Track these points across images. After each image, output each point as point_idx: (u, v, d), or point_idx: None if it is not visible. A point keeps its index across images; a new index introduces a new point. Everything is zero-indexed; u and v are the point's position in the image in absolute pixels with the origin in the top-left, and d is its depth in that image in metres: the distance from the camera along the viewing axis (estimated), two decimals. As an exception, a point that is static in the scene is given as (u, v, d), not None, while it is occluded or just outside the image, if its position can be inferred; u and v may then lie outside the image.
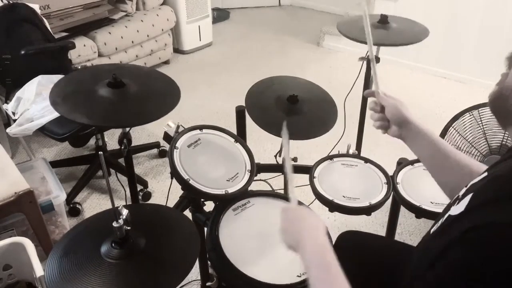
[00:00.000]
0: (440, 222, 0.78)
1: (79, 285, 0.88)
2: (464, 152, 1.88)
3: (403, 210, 1.53)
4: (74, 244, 1.00)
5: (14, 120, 2.05)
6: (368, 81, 2.05)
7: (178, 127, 1.43)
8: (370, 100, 1.11)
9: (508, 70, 0.73)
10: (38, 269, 1.28)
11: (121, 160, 2.08)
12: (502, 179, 0.70)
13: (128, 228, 0.95)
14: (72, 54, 2.65)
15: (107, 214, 1.06)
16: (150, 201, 2.32)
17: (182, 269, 0.95)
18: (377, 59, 1.98)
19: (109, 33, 3.05)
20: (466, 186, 0.81)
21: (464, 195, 0.76)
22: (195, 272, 1.63)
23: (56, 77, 2.13)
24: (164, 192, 2.35)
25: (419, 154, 1.09)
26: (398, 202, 1.45)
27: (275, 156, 1.77)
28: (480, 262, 0.58)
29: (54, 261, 0.94)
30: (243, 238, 1.19)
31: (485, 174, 0.79)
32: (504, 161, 0.79)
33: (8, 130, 2.04)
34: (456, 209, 0.74)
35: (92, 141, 2.49)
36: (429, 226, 0.86)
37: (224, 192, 1.26)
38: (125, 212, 0.94)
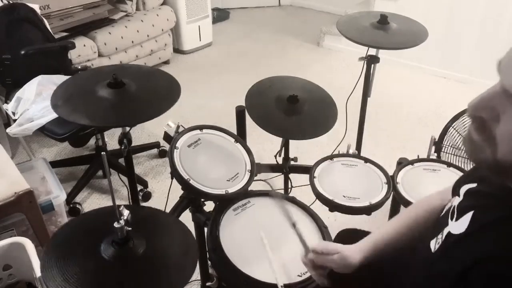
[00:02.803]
0: (440, 238, 0.77)
1: (78, 284, 0.88)
2: (464, 152, 1.88)
3: (403, 210, 1.53)
4: (71, 242, 0.99)
5: (14, 120, 2.05)
6: (368, 82, 2.05)
7: (178, 127, 1.43)
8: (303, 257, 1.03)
9: (476, 127, 0.64)
10: (38, 269, 1.28)
11: (121, 160, 2.08)
12: (497, 198, 0.70)
13: (129, 228, 0.95)
14: (72, 54, 2.65)
15: (103, 212, 1.06)
16: (150, 201, 2.32)
17: (182, 274, 0.95)
18: (377, 59, 1.98)
19: (109, 33, 3.05)
20: (458, 196, 0.79)
21: (462, 210, 0.74)
22: (195, 272, 1.63)
23: (56, 77, 2.14)
24: (164, 192, 2.35)
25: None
26: (398, 202, 1.45)
27: (275, 156, 1.77)
28: None
29: (51, 259, 0.93)
30: (243, 238, 1.19)
31: (475, 184, 0.77)
32: None
33: (8, 130, 2.04)
34: (457, 227, 0.73)
35: (92, 141, 2.49)
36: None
37: (224, 192, 1.26)
38: (126, 212, 0.94)
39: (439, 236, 0.77)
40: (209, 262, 1.46)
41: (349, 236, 1.29)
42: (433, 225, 0.85)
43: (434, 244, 0.78)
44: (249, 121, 1.58)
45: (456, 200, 0.79)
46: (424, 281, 0.77)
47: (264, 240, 1.17)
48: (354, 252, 0.97)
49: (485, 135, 0.63)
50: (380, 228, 1.02)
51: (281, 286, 1.04)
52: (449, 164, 1.50)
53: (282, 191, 1.86)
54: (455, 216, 0.75)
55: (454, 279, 0.67)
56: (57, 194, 1.90)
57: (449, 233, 0.74)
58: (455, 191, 0.84)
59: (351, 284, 1.13)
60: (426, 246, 0.80)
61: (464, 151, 1.88)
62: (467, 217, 0.71)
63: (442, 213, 0.83)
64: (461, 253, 0.69)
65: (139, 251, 0.95)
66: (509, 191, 0.67)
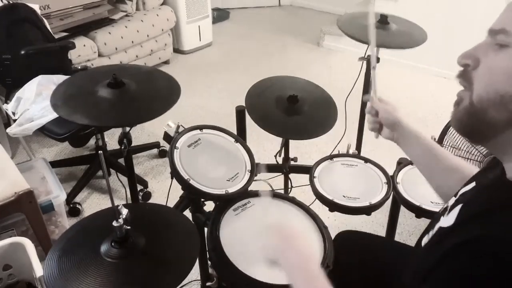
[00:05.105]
0: (431, 233, 0.78)
1: (79, 284, 0.88)
2: (464, 152, 1.88)
3: (403, 210, 1.53)
4: (73, 243, 1.00)
5: (14, 120, 2.05)
6: (367, 82, 2.04)
7: (178, 127, 1.43)
8: (367, 104, 1.18)
9: (465, 87, 0.70)
10: (38, 269, 1.28)
11: (121, 160, 2.08)
12: (489, 190, 0.70)
13: (128, 227, 0.95)
14: (72, 54, 2.65)
15: (106, 213, 1.06)
16: (150, 201, 2.32)
17: (182, 269, 0.95)
18: (377, 59, 1.97)
19: (109, 33, 3.05)
20: (455, 196, 0.81)
21: (453, 206, 0.75)
22: (195, 272, 1.63)
23: (56, 77, 2.14)
24: (164, 192, 2.35)
25: (411, 156, 1.12)
26: (398, 202, 1.45)
27: (275, 156, 1.77)
28: (473, 276, 0.58)
29: (53, 261, 0.94)
30: (244, 238, 1.19)
31: (473, 184, 0.78)
32: (489, 169, 0.79)
33: (8, 130, 2.04)
34: (446, 221, 0.73)
35: (92, 141, 2.49)
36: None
37: (224, 192, 1.26)
38: (125, 211, 0.94)
39: (430, 232, 0.78)
40: (209, 262, 1.46)
41: (348, 237, 1.29)
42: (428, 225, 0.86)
43: (425, 241, 0.80)
44: (249, 121, 1.58)
45: (452, 200, 0.80)
46: (414, 275, 0.77)
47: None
48: (402, 116, 1.10)
49: (466, 83, 0.70)
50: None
51: None
52: (449, 164, 1.50)
53: (282, 191, 1.86)
54: (447, 212, 0.76)
55: (434, 262, 0.66)
56: (57, 194, 1.90)
57: (439, 228, 0.75)
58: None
59: (350, 278, 1.13)
60: (419, 244, 0.82)
61: (464, 152, 1.88)
62: (456, 210, 0.72)
63: (438, 212, 0.84)
64: (447, 241, 0.68)
65: (139, 249, 0.95)
66: (502, 184, 0.67)
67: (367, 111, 1.18)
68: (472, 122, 0.69)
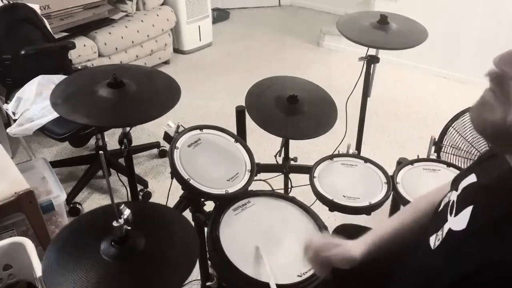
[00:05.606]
0: (440, 234, 0.75)
1: (78, 284, 0.88)
2: (464, 152, 1.88)
3: (402, 208, 1.52)
4: (71, 241, 0.99)
5: (14, 120, 2.06)
6: (368, 82, 2.05)
7: (178, 127, 1.43)
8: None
9: (494, 92, 0.62)
10: (38, 269, 1.28)
11: (121, 160, 2.08)
12: (498, 191, 0.68)
13: (129, 227, 0.95)
14: (72, 54, 2.65)
15: (103, 211, 1.06)
16: (150, 201, 2.32)
17: (182, 271, 0.95)
18: (377, 59, 1.98)
19: (109, 33, 3.05)
20: (456, 190, 0.78)
21: (460, 205, 0.73)
22: (195, 272, 1.63)
23: (56, 77, 2.14)
24: (164, 192, 2.35)
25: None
26: (398, 201, 1.45)
27: (275, 156, 1.77)
28: None
29: (52, 259, 0.93)
30: (244, 238, 1.19)
31: (473, 177, 0.76)
32: (488, 161, 0.77)
33: (8, 130, 2.04)
34: (457, 223, 0.71)
35: (92, 141, 2.49)
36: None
37: (224, 192, 1.27)
38: (126, 212, 0.94)
39: (439, 232, 0.75)
40: (209, 262, 1.46)
41: (347, 231, 1.29)
42: (431, 220, 0.84)
43: (434, 241, 0.77)
44: (249, 121, 1.58)
45: (454, 195, 0.78)
46: (423, 277, 0.76)
47: (261, 251, 1.15)
48: (356, 245, 0.96)
49: (501, 93, 0.61)
50: (380, 224, 1.01)
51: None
52: (449, 164, 1.50)
53: (282, 191, 1.86)
54: (454, 211, 0.74)
55: (457, 279, 0.65)
56: (57, 194, 1.90)
57: (450, 230, 0.72)
58: (453, 185, 0.83)
59: (349, 277, 1.13)
60: (425, 242, 0.79)
61: (464, 152, 1.88)
62: (467, 212, 0.70)
63: (440, 208, 0.81)
64: (465, 253, 0.67)
65: (139, 250, 0.95)
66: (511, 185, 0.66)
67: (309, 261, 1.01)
68: (496, 135, 0.62)
